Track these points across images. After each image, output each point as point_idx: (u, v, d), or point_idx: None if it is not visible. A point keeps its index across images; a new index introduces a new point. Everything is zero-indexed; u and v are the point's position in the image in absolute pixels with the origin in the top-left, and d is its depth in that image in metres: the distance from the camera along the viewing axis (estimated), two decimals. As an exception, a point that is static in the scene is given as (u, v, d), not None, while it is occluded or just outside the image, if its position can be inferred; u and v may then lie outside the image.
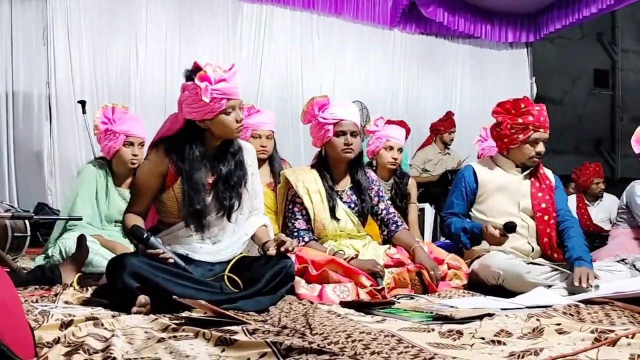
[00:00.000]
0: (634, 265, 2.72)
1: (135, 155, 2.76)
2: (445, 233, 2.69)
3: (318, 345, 1.20)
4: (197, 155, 2.01)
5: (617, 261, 2.68)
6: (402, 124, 3.60)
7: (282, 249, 2.01)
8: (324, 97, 2.66)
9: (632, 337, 1.27)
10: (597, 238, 3.80)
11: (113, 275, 1.82)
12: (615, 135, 11.75)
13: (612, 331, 1.32)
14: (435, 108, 5.77)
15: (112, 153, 2.77)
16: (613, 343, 1.24)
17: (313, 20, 5.42)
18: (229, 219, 2.08)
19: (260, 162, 3.27)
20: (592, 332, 1.34)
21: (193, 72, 1.96)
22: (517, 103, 2.54)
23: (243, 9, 5.12)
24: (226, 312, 1.61)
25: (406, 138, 3.80)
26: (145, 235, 1.91)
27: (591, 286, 2.10)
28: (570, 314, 1.64)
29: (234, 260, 2.08)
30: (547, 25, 5.77)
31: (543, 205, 2.52)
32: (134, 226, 1.94)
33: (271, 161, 3.32)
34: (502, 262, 2.31)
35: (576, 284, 2.13)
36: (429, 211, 4.86)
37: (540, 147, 2.52)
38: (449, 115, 5.30)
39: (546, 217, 2.50)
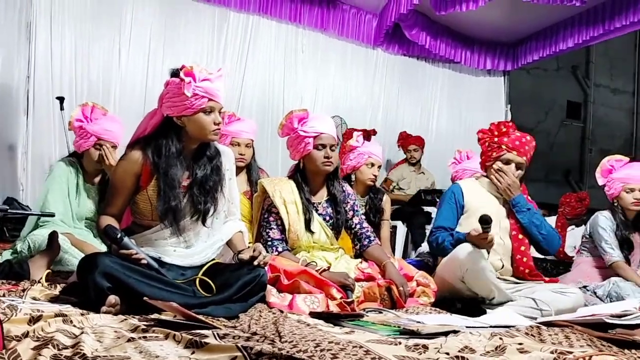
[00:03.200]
0: (595, 293, 2.82)
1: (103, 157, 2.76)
2: (432, 247, 2.71)
3: (287, 352, 1.22)
4: (174, 151, 2.03)
5: (580, 288, 2.77)
6: (373, 132, 3.68)
7: (255, 262, 2.03)
8: (303, 110, 2.71)
9: (590, 359, 1.32)
10: (561, 265, 3.91)
11: (84, 274, 1.81)
12: (584, 166, 12.12)
13: (570, 352, 1.37)
14: (413, 128, 5.88)
15: (81, 150, 2.78)
16: (571, 363, 1.29)
17: (298, 34, 5.48)
18: (203, 223, 2.10)
19: (238, 170, 3.29)
20: (551, 352, 1.40)
21: (179, 70, 1.99)
22: (500, 125, 2.66)
23: (229, 17, 5.15)
24: (197, 316, 1.62)
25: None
26: (119, 235, 1.90)
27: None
28: (532, 335, 1.69)
29: (207, 266, 2.09)
30: (525, 55, 5.94)
31: (519, 225, 2.63)
32: (107, 226, 1.93)
33: (249, 170, 3.35)
34: (467, 252, 2.36)
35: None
36: (401, 229, 4.93)
37: (513, 169, 2.61)
38: (401, 136, 5.45)
39: (520, 236, 2.61)
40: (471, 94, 6.37)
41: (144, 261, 1.89)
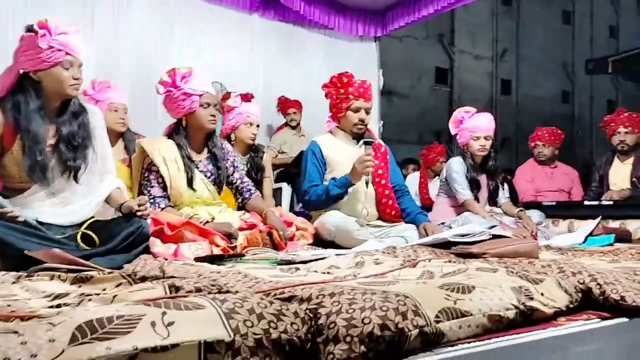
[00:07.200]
0: (450, 227, 3.22)
1: None
2: (311, 203, 2.87)
3: (170, 275, 1.35)
4: (33, 108, 2.01)
5: (439, 224, 3.16)
6: (251, 96, 3.83)
7: (139, 210, 2.09)
8: (188, 68, 2.74)
9: (429, 261, 1.60)
10: (426, 209, 4.35)
11: (-42, 235, 1.78)
12: (452, 127, 13.23)
13: (414, 259, 1.64)
14: (294, 94, 6.03)
15: None
16: (413, 265, 1.56)
17: (173, -1, 5.37)
18: (75, 180, 2.11)
19: (115, 138, 3.29)
20: (401, 261, 1.66)
21: (33, 26, 1.98)
22: (341, 77, 2.91)
23: (97, -21, 4.92)
24: (81, 260, 1.67)
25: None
26: (-11, 195, 1.88)
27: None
28: (388, 253, 1.97)
29: (88, 222, 2.12)
30: (392, 22, 6.31)
31: (380, 171, 2.90)
32: (-24, 188, 1.90)
33: (124, 137, 3.36)
34: (335, 220, 2.63)
35: (424, 236, 2.58)
36: (286, 190, 5.14)
37: (363, 115, 2.90)
38: (280, 101, 5.65)
39: (383, 182, 2.89)
40: (346, 60, 6.62)
41: (20, 218, 1.90)
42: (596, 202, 3.69)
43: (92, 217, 2.19)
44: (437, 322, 1.06)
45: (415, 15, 5.98)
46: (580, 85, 15.09)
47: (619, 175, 4.05)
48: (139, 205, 2.09)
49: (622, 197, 3.85)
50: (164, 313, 0.88)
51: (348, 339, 0.97)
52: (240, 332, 0.91)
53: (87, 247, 1.99)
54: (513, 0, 14.27)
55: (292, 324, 0.99)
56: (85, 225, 2.10)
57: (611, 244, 2.73)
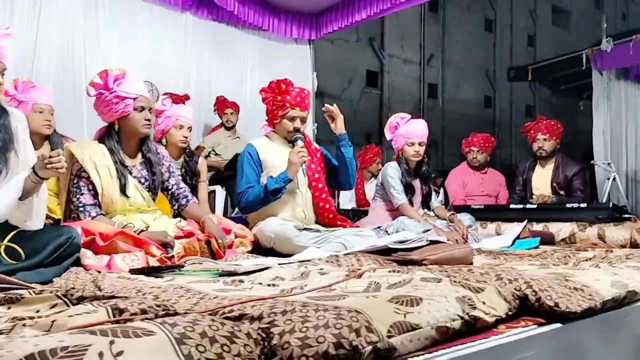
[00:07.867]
0: (387, 231, 3.29)
1: None
2: (248, 204, 2.82)
3: (109, 293, 1.29)
4: None
5: (375, 228, 3.22)
6: (186, 97, 3.74)
7: (49, 161, 1.92)
8: (121, 70, 2.62)
9: (374, 271, 1.62)
10: (362, 212, 4.42)
11: None
12: (383, 130, 13.51)
13: (359, 269, 1.65)
14: (227, 94, 5.95)
15: None
16: (359, 276, 1.57)
17: (98, -7, 5.13)
18: None
19: (42, 139, 3.11)
20: (346, 271, 1.67)
21: None
22: (279, 84, 2.90)
23: (15, -30, 4.61)
24: (6, 277, 1.56)
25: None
26: None
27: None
28: (331, 262, 1.97)
29: (11, 234, 1.98)
30: (326, 25, 6.36)
31: (316, 175, 2.92)
32: None
33: (51, 140, 3.19)
34: (274, 226, 2.62)
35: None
36: (220, 193, 5.05)
37: (298, 124, 2.91)
38: (218, 101, 5.57)
39: (320, 185, 2.92)
40: (281, 62, 6.61)
41: None
42: (521, 206, 3.89)
43: (17, 228, 2.04)
44: (389, 337, 1.07)
45: (348, 20, 6.04)
46: (501, 90, 15.87)
47: (541, 181, 4.30)
48: (50, 157, 1.91)
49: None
50: (111, 342, 0.84)
51: (303, 359, 0.96)
52: (192, 358, 0.88)
53: (11, 261, 1.86)
54: (439, 6, 14.77)
55: (245, 345, 0.97)
56: (8, 237, 1.95)
57: (537, 247, 2.89)
